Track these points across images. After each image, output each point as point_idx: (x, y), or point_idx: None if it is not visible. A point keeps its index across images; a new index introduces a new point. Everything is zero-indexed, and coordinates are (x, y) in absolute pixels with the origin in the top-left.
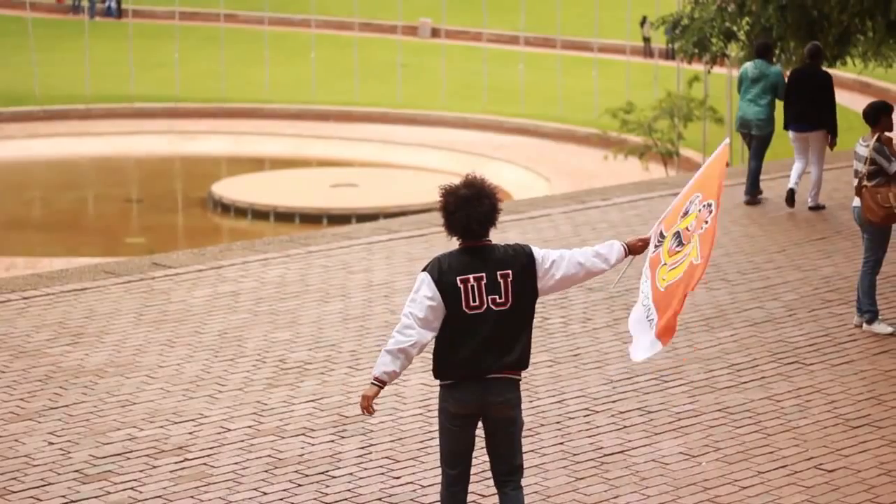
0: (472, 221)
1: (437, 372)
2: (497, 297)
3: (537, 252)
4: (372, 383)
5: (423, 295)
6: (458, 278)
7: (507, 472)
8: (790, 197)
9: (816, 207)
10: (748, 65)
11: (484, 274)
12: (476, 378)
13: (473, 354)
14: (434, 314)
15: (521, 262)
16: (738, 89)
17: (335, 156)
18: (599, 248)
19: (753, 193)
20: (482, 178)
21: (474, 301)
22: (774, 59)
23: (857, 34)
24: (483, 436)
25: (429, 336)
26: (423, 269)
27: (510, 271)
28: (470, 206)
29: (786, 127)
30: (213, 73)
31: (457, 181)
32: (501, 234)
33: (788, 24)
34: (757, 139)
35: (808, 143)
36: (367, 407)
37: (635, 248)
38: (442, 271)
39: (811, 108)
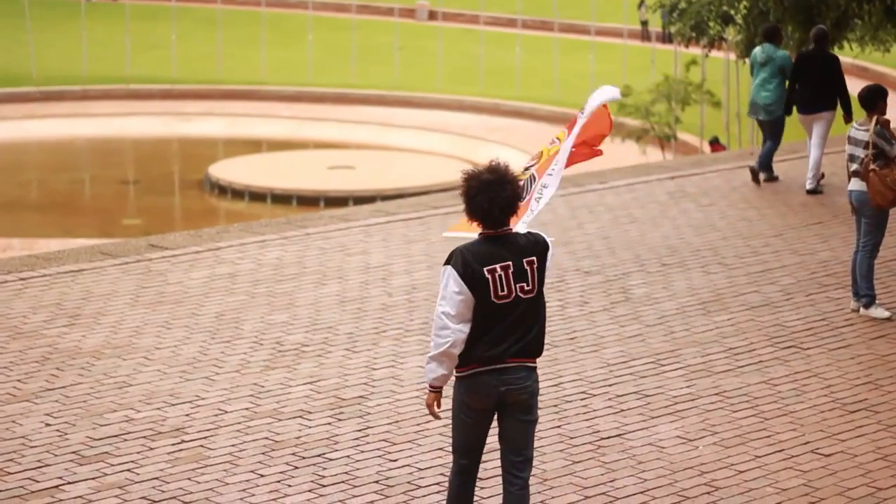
0: (493, 207)
1: (458, 361)
2: (525, 284)
3: (548, 241)
4: (429, 391)
5: (452, 290)
6: (485, 269)
7: (518, 464)
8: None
9: (814, 191)
10: (756, 49)
11: (511, 262)
12: (494, 366)
13: (497, 343)
14: (466, 306)
15: (540, 249)
16: (751, 74)
17: (332, 138)
18: None
19: (759, 171)
20: (506, 164)
21: (503, 290)
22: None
23: (854, 18)
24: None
25: (466, 329)
26: (446, 263)
27: (534, 258)
28: (492, 191)
29: (791, 111)
30: (210, 55)
31: (479, 167)
32: None
33: (786, 7)
34: (767, 123)
35: (813, 126)
36: (433, 412)
37: None
38: (466, 262)
39: (817, 91)
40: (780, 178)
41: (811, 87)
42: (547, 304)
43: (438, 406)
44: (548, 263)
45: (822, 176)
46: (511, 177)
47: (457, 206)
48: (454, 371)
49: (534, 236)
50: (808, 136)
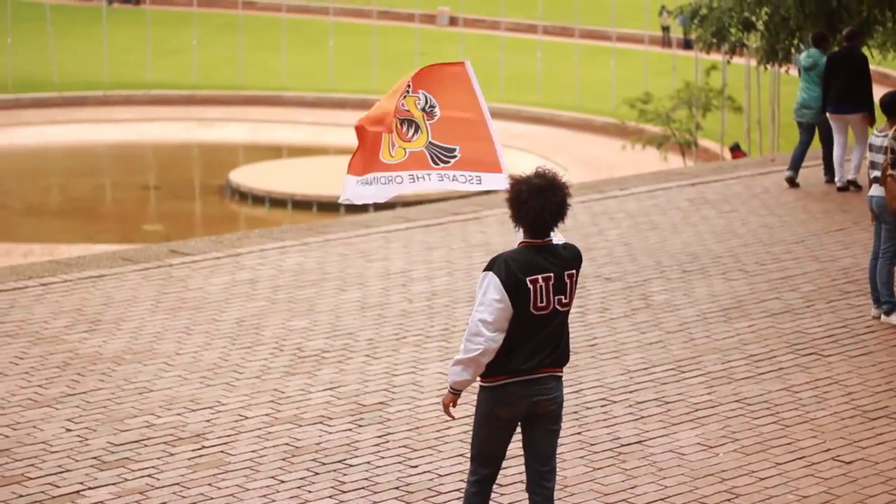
0: (545, 212)
1: (489, 371)
2: (563, 297)
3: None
4: (450, 392)
5: (492, 298)
6: (527, 279)
7: (545, 474)
8: (855, 183)
9: (853, 182)
10: (803, 54)
11: (552, 274)
12: (527, 377)
13: (530, 354)
14: (504, 316)
15: (578, 262)
16: (799, 76)
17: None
18: None
19: (831, 175)
20: (552, 169)
21: (542, 302)
22: (793, 51)
23: (875, 24)
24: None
25: (499, 339)
26: (487, 269)
27: (574, 271)
28: (544, 196)
29: (824, 109)
30: (231, 61)
31: (525, 173)
32: None
33: (807, 14)
34: (811, 126)
35: (847, 125)
36: (447, 412)
37: None
38: (510, 271)
39: (850, 91)
40: (800, 184)
41: (842, 85)
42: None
43: (454, 406)
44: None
45: (832, 175)
46: (561, 181)
47: (477, 211)
48: (482, 380)
49: (573, 249)
50: (835, 133)
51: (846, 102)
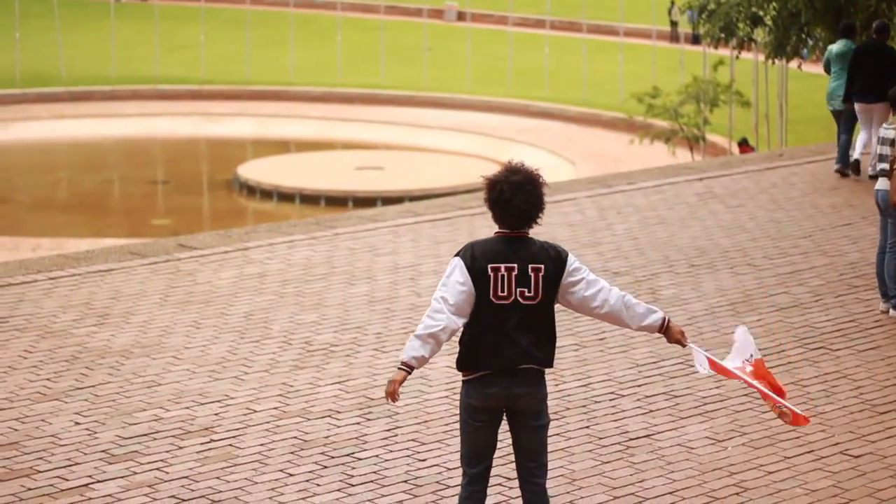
0: (531, 207)
1: (462, 362)
2: (526, 290)
3: (571, 259)
4: (399, 368)
5: (455, 280)
6: (489, 266)
7: (534, 470)
8: (855, 166)
9: (857, 163)
10: (833, 45)
11: (516, 265)
12: (502, 370)
13: (499, 346)
14: (466, 299)
15: (554, 261)
16: (824, 69)
17: (361, 138)
18: (638, 306)
19: (845, 163)
20: (522, 162)
21: (502, 291)
22: (802, 46)
23: (883, 19)
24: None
25: (459, 322)
26: (457, 254)
27: (542, 266)
28: (526, 192)
29: (849, 98)
30: (239, 56)
31: (496, 169)
32: None
33: (816, 9)
34: (841, 113)
35: (873, 115)
36: (393, 393)
37: (672, 334)
38: (475, 257)
39: (876, 81)
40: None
41: (867, 76)
42: None
43: (401, 385)
44: (573, 296)
45: (849, 165)
46: (537, 174)
47: (484, 206)
48: (461, 375)
49: (551, 247)
50: (861, 124)
51: (871, 92)
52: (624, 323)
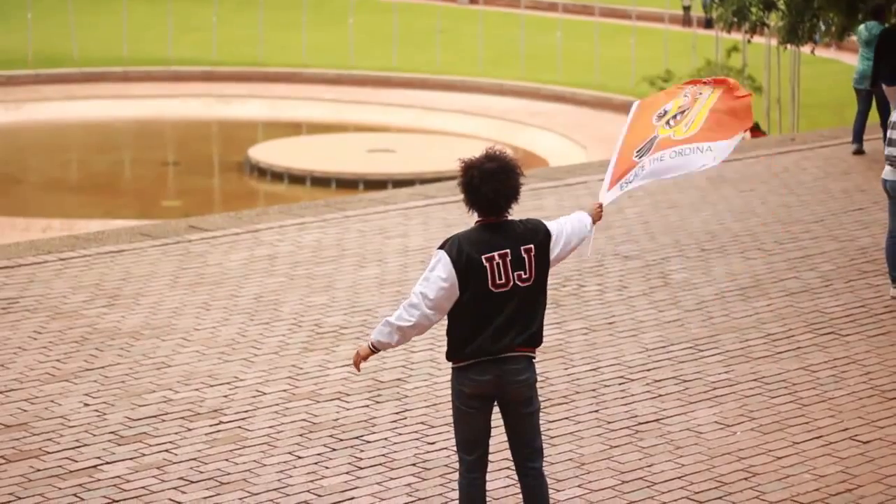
0: (500, 196)
1: (453, 353)
2: (522, 272)
3: (551, 226)
4: (369, 346)
5: (438, 275)
6: (482, 256)
7: (529, 455)
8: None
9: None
10: (862, 26)
11: (508, 250)
12: (496, 358)
13: (495, 334)
14: (445, 296)
15: (539, 236)
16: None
17: (373, 121)
18: (574, 217)
19: (861, 142)
20: (503, 150)
21: (500, 279)
22: (815, 31)
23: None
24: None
25: (434, 319)
26: (440, 248)
27: (532, 245)
28: (497, 181)
29: (876, 82)
30: (251, 38)
31: (476, 154)
32: (538, 201)
33: None
34: (869, 94)
35: None
36: (356, 364)
37: (596, 217)
38: (462, 250)
39: None
40: (865, 151)
41: (894, 59)
42: (586, 288)
43: (364, 361)
44: (559, 252)
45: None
46: (513, 163)
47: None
48: (452, 363)
49: (533, 224)
50: (893, 106)
51: None
52: (585, 235)
